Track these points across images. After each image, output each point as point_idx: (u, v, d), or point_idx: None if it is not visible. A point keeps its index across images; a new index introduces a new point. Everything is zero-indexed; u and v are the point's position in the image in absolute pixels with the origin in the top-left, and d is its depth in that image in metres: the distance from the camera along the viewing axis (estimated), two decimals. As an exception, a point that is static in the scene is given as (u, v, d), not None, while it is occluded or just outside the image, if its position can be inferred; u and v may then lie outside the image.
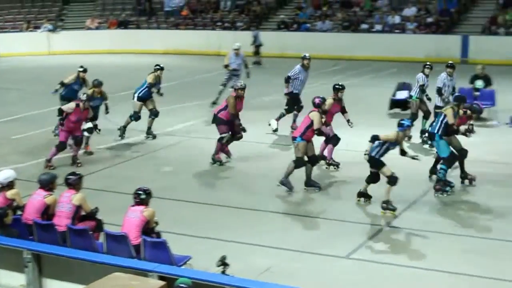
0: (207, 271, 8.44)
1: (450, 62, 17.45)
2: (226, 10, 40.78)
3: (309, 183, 13.60)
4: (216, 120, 15.51)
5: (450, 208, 12.69)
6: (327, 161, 15.22)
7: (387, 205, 12.23)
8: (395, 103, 20.98)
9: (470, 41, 32.77)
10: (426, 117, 17.61)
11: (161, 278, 7.69)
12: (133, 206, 9.49)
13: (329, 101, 14.64)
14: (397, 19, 35.69)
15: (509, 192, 13.51)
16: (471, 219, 12.18)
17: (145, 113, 17.62)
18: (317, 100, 13.67)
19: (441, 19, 34.79)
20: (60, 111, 15.20)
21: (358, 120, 19.68)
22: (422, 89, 17.47)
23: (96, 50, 37.49)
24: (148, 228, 9.40)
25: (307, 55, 18.85)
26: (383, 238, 11.26)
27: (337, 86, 15.26)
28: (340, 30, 36.56)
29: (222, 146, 15.56)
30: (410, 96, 17.85)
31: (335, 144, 15.18)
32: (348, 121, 15.32)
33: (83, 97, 15.37)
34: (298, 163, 13.44)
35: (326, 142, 15.16)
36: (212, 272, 8.36)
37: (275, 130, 18.38)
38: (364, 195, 12.91)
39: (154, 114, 17.63)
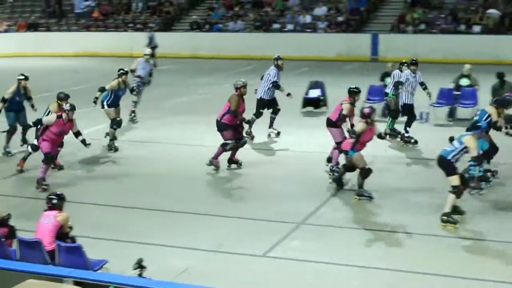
0: (124, 275, 8.37)
1: (414, 59, 17.34)
2: (137, 12, 40.51)
3: (361, 192, 12.94)
4: (220, 126, 14.73)
5: (363, 204, 12.88)
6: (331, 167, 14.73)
7: (448, 218, 11.51)
8: (308, 102, 21.22)
9: (380, 40, 33.42)
10: (392, 116, 17.65)
11: (77, 283, 7.58)
12: (46, 211, 9.33)
13: (347, 106, 14.31)
14: (308, 18, 36.11)
15: (428, 187, 13.77)
16: (384, 214, 12.38)
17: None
18: (367, 111, 12.88)
19: (351, 18, 35.35)
20: (39, 122, 13.89)
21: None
22: (397, 86, 17.34)
23: (4, 53, 36.71)
24: (62, 233, 9.26)
25: (279, 55, 18.48)
26: (300, 235, 11.34)
27: (354, 90, 14.59)
28: (252, 30, 36.78)
29: (222, 152, 14.83)
30: (386, 94, 17.81)
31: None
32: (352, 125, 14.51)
33: (67, 106, 13.87)
34: (365, 173, 12.83)
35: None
36: (129, 275, 8.29)
37: (278, 133, 18.14)
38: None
39: (117, 124, 16.69)
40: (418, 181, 14.21)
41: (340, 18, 35.42)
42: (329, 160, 14.76)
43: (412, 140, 17.02)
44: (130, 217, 12.38)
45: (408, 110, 17.18)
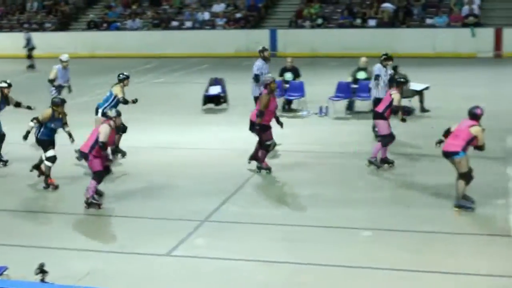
0: (26, 280, 8.21)
1: (386, 53, 17.35)
2: (33, 11, 39.67)
3: (463, 204, 12.11)
4: (256, 126, 14.23)
5: (265, 199, 13.00)
6: (369, 159, 14.60)
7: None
8: (209, 99, 21.25)
9: (278, 35, 33.71)
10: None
11: (-24, 292, 7.40)
12: None
13: (397, 96, 14.25)
14: (206, 15, 36.12)
15: (321, 180, 13.99)
16: (286, 208, 12.52)
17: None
18: (479, 111, 11.96)
19: (250, 14, 35.55)
20: (102, 145, 12.39)
21: (174, 118, 19.90)
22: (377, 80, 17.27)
23: None
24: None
25: (264, 46, 18.04)
26: (204, 232, 11.36)
27: (402, 80, 14.68)
28: (150, 28, 36.53)
29: (267, 153, 14.51)
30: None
31: (384, 144, 14.51)
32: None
33: (113, 113, 12.63)
34: (467, 177, 12.13)
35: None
36: (30, 281, 8.14)
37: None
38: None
39: (122, 130, 15.29)
40: (327, 175, 14.42)
41: (238, 15, 35.57)
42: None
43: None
44: (28, 221, 12.14)
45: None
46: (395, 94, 14.26)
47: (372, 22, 33.33)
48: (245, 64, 28.02)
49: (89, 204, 12.44)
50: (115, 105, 15.28)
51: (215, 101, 21.25)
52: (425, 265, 9.91)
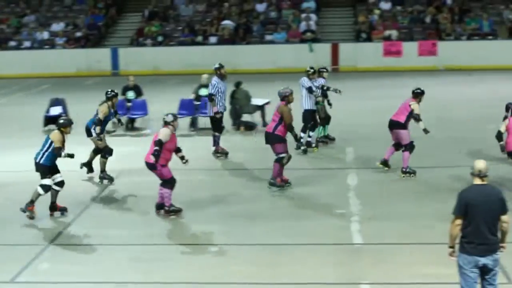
0: None
1: (312, 67, 17.47)
2: None
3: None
4: (272, 138, 13.96)
5: (111, 220, 12.83)
6: (403, 169, 14.71)
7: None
8: (50, 120, 20.73)
9: (119, 53, 33.41)
10: (322, 123, 17.73)
11: None
12: None
13: (416, 105, 14.50)
14: (46, 34, 35.34)
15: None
16: (133, 227, 12.40)
17: None
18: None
19: (90, 33, 35.10)
20: (159, 143, 12.29)
21: (13, 140, 19.33)
22: (324, 93, 17.38)
23: None
24: None
25: (220, 63, 17.30)
26: (48, 257, 11.07)
27: (419, 91, 14.80)
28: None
29: (282, 168, 14.05)
30: (317, 102, 17.41)
31: (411, 151, 14.63)
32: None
33: (169, 118, 12.54)
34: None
35: (397, 147, 14.77)
36: None
37: (226, 154, 16.97)
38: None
39: (108, 152, 15.04)
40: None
41: (78, 34, 35.03)
42: None
43: (313, 145, 17.26)
44: None
45: (312, 115, 17.25)
46: (414, 104, 14.63)
47: (213, 39, 33.67)
48: (86, 84, 27.68)
49: (170, 212, 12.59)
50: (105, 124, 15.16)
51: (56, 122, 20.75)
52: (274, 277, 10.08)
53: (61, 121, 13.01)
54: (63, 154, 12.57)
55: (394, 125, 14.75)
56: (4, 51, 34.87)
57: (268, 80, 27.89)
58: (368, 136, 18.56)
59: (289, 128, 13.88)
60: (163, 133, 12.36)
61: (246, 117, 20.04)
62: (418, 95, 14.79)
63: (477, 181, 8.07)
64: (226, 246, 11.38)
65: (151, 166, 12.50)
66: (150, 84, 25.26)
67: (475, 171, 8.06)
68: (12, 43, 35.38)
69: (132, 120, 20.32)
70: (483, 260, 7.98)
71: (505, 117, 14.93)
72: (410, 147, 14.65)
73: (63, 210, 12.94)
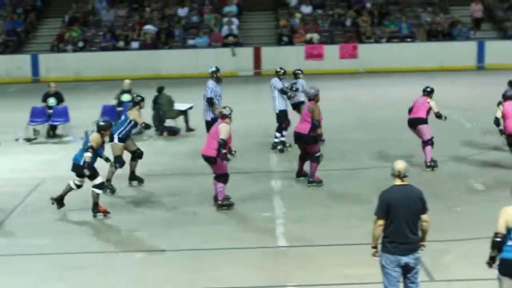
0: None
1: (282, 67, 17.77)
2: None
3: None
4: (308, 139, 14.23)
5: (33, 228, 12.64)
6: (427, 163, 15.25)
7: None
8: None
9: (40, 60, 32.85)
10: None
11: None
12: None
13: (433, 102, 15.30)
14: (-38, 41, 34.56)
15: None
16: (56, 235, 12.23)
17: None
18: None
19: (9, 39, 34.45)
20: (223, 143, 12.44)
21: None
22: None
23: None
24: None
25: (216, 66, 16.94)
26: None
27: (430, 89, 15.57)
28: None
29: (318, 165, 14.33)
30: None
31: (432, 145, 15.28)
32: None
33: (227, 111, 12.81)
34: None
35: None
36: None
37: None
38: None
39: (138, 156, 14.84)
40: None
41: (-3, 39, 34.38)
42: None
43: (287, 145, 17.37)
44: None
45: (285, 116, 17.45)
46: (431, 101, 15.31)
47: (135, 44, 33.43)
48: (9, 91, 27.23)
49: (223, 206, 12.96)
50: (130, 130, 14.79)
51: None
52: (200, 282, 10.10)
53: (102, 123, 13.09)
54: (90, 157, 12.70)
55: (416, 122, 15.39)
56: None
57: (190, 85, 27.85)
58: (290, 138, 18.66)
59: (317, 123, 14.20)
60: (224, 130, 12.57)
61: (169, 122, 19.95)
62: (430, 93, 15.55)
63: (398, 182, 8.23)
64: (148, 252, 11.34)
65: (211, 160, 12.80)
66: (71, 91, 24.94)
67: (395, 172, 8.22)
68: None
69: (53, 127, 20.02)
70: (405, 259, 8.13)
71: (499, 103, 15.42)
72: (430, 142, 15.29)
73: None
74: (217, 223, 12.52)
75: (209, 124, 15.54)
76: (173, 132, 19.67)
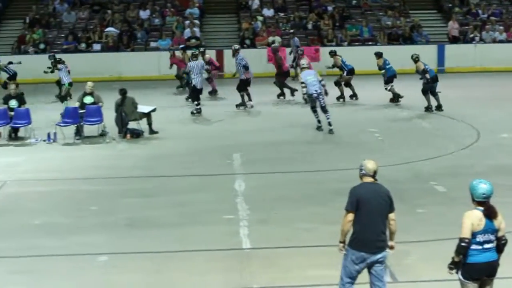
0: None
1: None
2: None
3: None
4: None
5: (5, 231, 12.57)
6: None
7: None
8: None
9: (1, 62, 32.48)
10: None
11: None
12: None
13: None
14: None
15: (54, 207, 13.77)
16: (17, 238, 12.15)
17: None
18: None
19: (-32, 40, 34.10)
20: None
21: None
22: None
23: None
24: None
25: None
26: None
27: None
28: None
29: None
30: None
31: None
32: None
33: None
34: None
35: None
36: None
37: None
38: None
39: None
40: (60, 202, 14.19)
41: (-44, 41, 34.01)
42: None
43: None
44: None
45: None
46: None
47: (97, 47, 33.24)
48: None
49: None
50: None
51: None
52: (163, 285, 10.11)
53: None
54: None
55: None
56: None
57: (153, 87, 27.84)
58: (252, 141, 18.77)
59: None
60: None
61: (132, 125, 19.89)
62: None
63: (368, 180, 8.39)
64: (110, 255, 11.28)
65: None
66: (33, 92, 24.77)
67: (369, 171, 8.38)
68: None
69: (15, 130, 19.86)
70: (371, 258, 8.28)
71: None
72: None
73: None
74: (180, 225, 12.53)
75: (243, 81, 23.30)
76: (136, 134, 19.63)
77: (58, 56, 26.44)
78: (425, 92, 22.08)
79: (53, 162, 17.35)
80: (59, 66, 23.44)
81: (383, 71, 24.15)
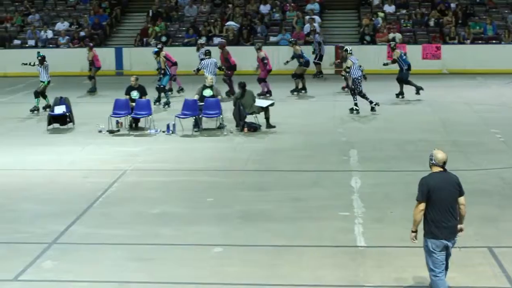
0: None
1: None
2: None
3: None
4: None
5: (114, 219, 12.84)
6: None
7: None
8: (54, 119, 20.73)
9: (124, 53, 33.39)
10: None
11: None
12: None
13: None
14: (49, 33, 35.35)
15: (171, 198, 14.00)
16: (136, 227, 12.41)
17: None
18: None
19: (94, 32, 35.09)
20: None
21: (18, 139, 19.37)
22: None
23: None
24: None
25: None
26: (52, 255, 11.10)
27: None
28: (-10, 46, 35.41)
29: None
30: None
31: None
32: None
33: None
34: None
35: None
36: None
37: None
38: None
39: None
40: (177, 192, 14.43)
41: (82, 33, 35.02)
42: None
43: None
44: None
45: None
46: None
47: (217, 40, 33.61)
48: (86, 83, 27.75)
49: None
50: None
51: (60, 120, 20.79)
52: (276, 279, 10.12)
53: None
54: None
55: None
56: (8, 49, 34.89)
57: (271, 81, 27.89)
58: (371, 138, 18.56)
59: None
60: None
61: (249, 118, 19.97)
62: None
63: (437, 169, 8.86)
64: (225, 247, 11.39)
65: None
66: (153, 84, 25.25)
67: (439, 161, 8.83)
68: (16, 42, 35.39)
69: (136, 120, 20.32)
70: (449, 243, 8.78)
71: None
72: None
73: None
74: (294, 220, 12.52)
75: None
76: (253, 128, 19.73)
77: (179, 49, 26.87)
78: (405, 80, 23.89)
79: (172, 153, 17.65)
80: (45, 63, 23.54)
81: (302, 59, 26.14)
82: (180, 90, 26.24)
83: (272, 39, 33.46)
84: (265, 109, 19.96)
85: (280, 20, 34.86)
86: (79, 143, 18.65)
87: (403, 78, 24.06)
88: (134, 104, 20.29)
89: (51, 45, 34.73)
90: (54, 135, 20.10)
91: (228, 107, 20.33)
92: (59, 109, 20.72)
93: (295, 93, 25.73)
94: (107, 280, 10.10)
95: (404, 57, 24.14)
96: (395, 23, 33.40)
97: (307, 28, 33.14)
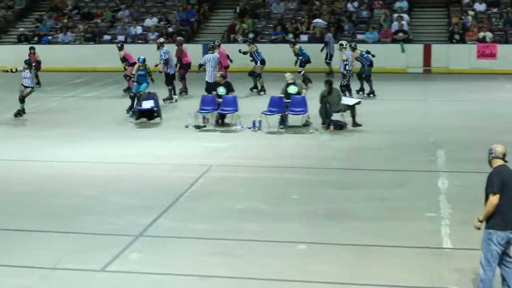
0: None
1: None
2: (-40, 25, 38.93)
3: None
4: None
5: (200, 213, 12.96)
6: None
7: None
8: (142, 113, 21.08)
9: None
10: None
11: None
12: None
13: None
14: (139, 29, 35.94)
15: (256, 194, 14.05)
16: (221, 222, 12.50)
17: None
18: None
19: (182, 28, 35.50)
20: None
21: (107, 133, 19.75)
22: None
23: None
24: None
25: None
26: (138, 247, 11.27)
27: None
28: (82, 41, 36.18)
29: None
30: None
31: None
32: None
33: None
34: None
35: None
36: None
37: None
38: None
39: None
40: (262, 189, 14.49)
41: (170, 29, 35.49)
42: None
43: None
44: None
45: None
46: None
47: (304, 37, 33.62)
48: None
49: None
50: None
51: (148, 115, 21.13)
52: (358, 278, 10.04)
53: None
54: None
55: None
56: (98, 44, 35.60)
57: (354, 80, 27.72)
58: (459, 139, 18.24)
59: None
60: None
61: (335, 116, 19.89)
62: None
63: (499, 162, 8.80)
64: (308, 245, 11.34)
65: None
66: (240, 81, 25.38)
67: (499, 154, 8.79)
68: (106, 37, 36.10)
69: (222, 116, 20.47)
70: (511, 236, 8.76)
71: None
72: None
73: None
74: (378, 219, 12.40)
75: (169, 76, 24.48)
76: (339, 126, 19.64)
77: (267, 46, 26.93)
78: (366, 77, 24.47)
79: (257, 149, 17.71)
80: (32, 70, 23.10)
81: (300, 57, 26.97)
82: (183, 92, 26.22)
83: (359, 37, 33.22)
84: (352, 108, 19.84)
85: (367, 18, 34.61)
86: (165, 138, 18.90)
87: (364, 74, 24.65)
88: (220, 100, 20.44)
89: (140, 41, 35.27)
90: (142, 129, 20.43)
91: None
92: (147, 104, 21.04)
93: (255, 90, 26.04)
94: (190, 274, 10.19)
95: (365, 55, 24.66)
96: (485, 21, 32.74)
97: (395, 26, 32.82)
